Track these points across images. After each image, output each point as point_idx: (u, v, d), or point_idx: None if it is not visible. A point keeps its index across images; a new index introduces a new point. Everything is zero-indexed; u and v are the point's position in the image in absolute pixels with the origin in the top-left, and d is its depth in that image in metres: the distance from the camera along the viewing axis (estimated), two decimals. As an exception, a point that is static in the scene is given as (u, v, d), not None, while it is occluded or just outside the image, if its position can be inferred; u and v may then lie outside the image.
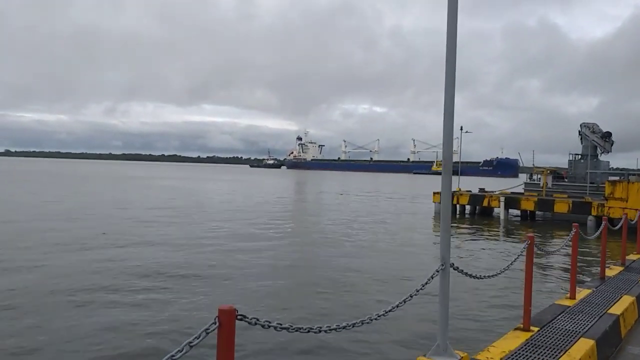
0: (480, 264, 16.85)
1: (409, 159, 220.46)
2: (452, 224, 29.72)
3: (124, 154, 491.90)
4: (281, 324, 2.80)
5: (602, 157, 37.17)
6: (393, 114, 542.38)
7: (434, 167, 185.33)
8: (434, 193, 36.41)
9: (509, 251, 19.92)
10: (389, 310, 3.60)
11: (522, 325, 5.85)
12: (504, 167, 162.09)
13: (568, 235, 7.18)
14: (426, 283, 3.97)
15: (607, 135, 35.98)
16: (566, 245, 7.42)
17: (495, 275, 5.23)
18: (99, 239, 18.85)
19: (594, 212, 29.50)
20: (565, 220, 29.89)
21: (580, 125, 37.28)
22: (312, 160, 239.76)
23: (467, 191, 37.00)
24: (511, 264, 5.40)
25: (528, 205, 32.77)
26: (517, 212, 34.26)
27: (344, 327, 3.17)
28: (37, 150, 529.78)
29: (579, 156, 37.43)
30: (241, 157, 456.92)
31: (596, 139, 36.03)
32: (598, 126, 36.79)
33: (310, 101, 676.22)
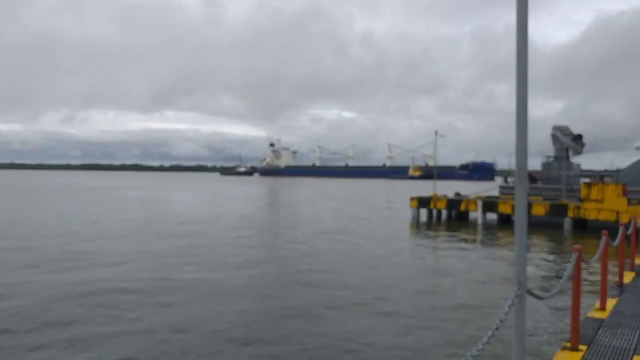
0: (476, 272, 16.58)
1: (384, 164, 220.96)
2: (429, 230, 29.85)
3: (82, 164, 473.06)
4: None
5: (574, 159, 37.93)
6: (362, 119, 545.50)
7: (411, 172, 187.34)
8: (411, 198, 36.29)
9: (500, 256, 19.81)
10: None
11: (569, 344, 5.43)
12: (481, 171, 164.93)
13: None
14: (507, 313, 3.47)
15: (578, 138, 36.70)
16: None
17: (554, 294, 4.79)
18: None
19: (570, 214, 29.88)
20: (543, 223, 30.21)
21: (552, 128, 37.94)
22: (285, 167, 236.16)
23: (443, 196, 37.03)
24: (564, 279, 4.97)
25: (505, 208, 32.98)
26: (493, 215, 34.46)
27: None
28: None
29: (552, 158, 38.07)
30: (206, 165, 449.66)
31: (568, 141, 36.70)
32: (569, 129, 37.52)
33: (279, 107, 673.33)
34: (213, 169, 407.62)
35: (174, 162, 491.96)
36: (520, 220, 3.84)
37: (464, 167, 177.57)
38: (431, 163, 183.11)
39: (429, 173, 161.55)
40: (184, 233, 25.14)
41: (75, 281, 13.49)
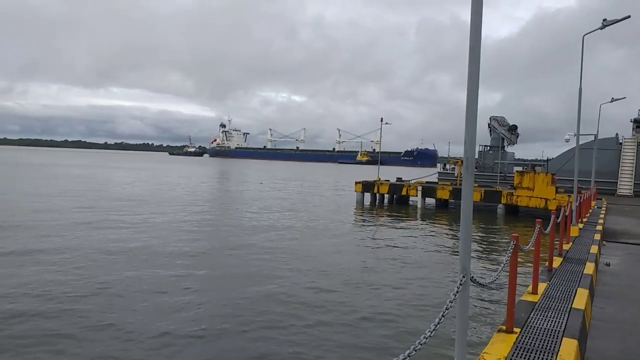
0: (414, 257, 17.09)
1: (334, 148, 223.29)
2: (372, 213, 30.48)
3: (21, 139, 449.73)
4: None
5: (508, 149, 39.77)
6: (311, 103, 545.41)
7: (359, 157, 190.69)
8: (356, 183, 36.87)
9: (436, 243, 20.54)
10: (417, 348, 3.17)
11: (504, 327, 5.72)
12: (424, 157, 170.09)
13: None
14: (452, 300, 3.60)
15: (513, 128, 38.48)
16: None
17: (494, 281, 5.01)
18: None
19: (503, 201, 31.39)
20: (478, 208, 31.56)
21: (490, 119, 39.54)
22: (236, 148, 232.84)
23: (386, 181, 37.82)
24: (503, 266, 5.21)
25: (443, 194, 34.17)
26: (432, 200, 35.62)
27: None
28: None
29: (488, 147, 39.75)
30: (152, 144, 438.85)
31: (504, 132, 38.42)
32: (505, 119, 39.25)
33: (228, 87, 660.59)
34: (159, 148, 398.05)
35: (119, 140, 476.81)
36: (466, 211, 3.98)
37: (408, 153, 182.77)
38: (378, 149, 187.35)
39: (376, 158, 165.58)
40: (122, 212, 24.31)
41: None
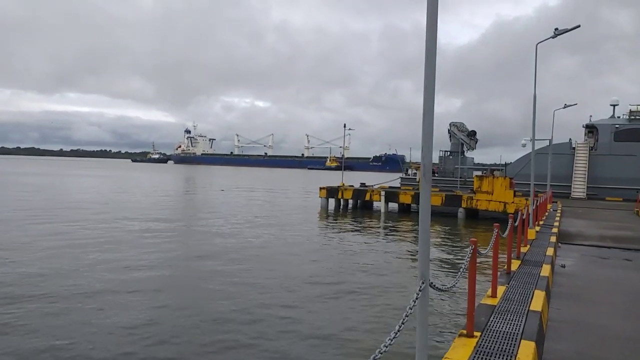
0: (376, 263, 17.17)
1: (303, 154, 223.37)
2: (336, 219, 30.54)
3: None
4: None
5: (468, 154, 40.68)
6: (275, 109, 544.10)
7: (328, 163, 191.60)
8: (321, 188, 36.94)
9: (398, 248, 20.72)
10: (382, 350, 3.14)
11: (465, 332, 5.77)
12: (392, 163, 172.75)
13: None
14: (412, 307, 3.59)
15: (472, 134, 39.39)
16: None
17: (454, 285, 5.05)
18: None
19: (464, 205, 32.04)
20: (439, 212, 32.10)
21: (450, 125, 40.39)
22: (202, 154, 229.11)
23: (350, 186, 38.02)
24: (462, 271, 5.26)
25: (406, 199, 34.60)
26: (394, 205, 36.01)
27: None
28: None
29: (448, 152, 40.55)
30: (110, 151, 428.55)
31: (463, 137, 39.28)
32: (465, 125, 40.13)
33: (189, 92, 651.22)
34: (118, 155, 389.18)
35: (75, 147, 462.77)
36: (424, 218, 3.99)
37: (377, 158, 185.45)
38: (346, 155, 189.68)
39: (345, 164, 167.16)
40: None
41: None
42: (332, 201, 36.53)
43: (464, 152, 39.68)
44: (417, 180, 37.81)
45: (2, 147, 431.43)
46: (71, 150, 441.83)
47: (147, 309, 10.46)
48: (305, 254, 18.03)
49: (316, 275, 14.18)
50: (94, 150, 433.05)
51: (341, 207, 36.45)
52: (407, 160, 43.68)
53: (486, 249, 7.15)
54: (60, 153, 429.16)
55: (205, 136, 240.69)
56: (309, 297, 11.74)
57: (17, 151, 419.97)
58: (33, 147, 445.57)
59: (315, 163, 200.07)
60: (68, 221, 23.98)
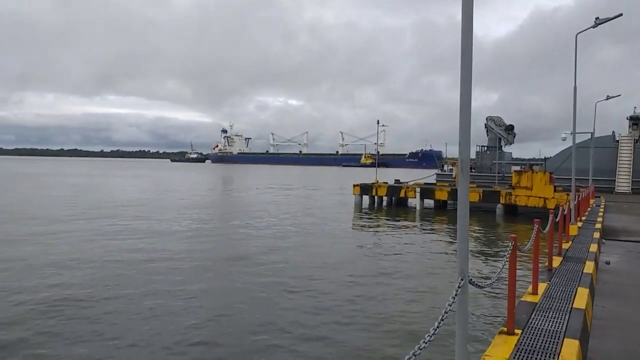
0: (413, 260, 17.04)
1: (337, 151, 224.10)
2: (370, 216, 30.42)
3: (16, 148, 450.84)
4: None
5: (506, 149, 39.77)
6: (308, 107, 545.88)
7: (363, 160, 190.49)
8: (354, 185, 36.88)
9: (436, 245, 20.49)
10: (420, 348, 3.13)
11: (505, 329, 5.68)
12: (429, 159, 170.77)
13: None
14: (451, 304, 3.56)
15: (510, 128, 38.48)
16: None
17: (494, 282, 4.98)
18: None
19: (502, 200, 31.38)
20: (477, 208, 31.55)
21: (486, 119, 39.57)
22: (238, 153, 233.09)
23: (384, 183, 37.81)
24: (502, 268, 5.17)
25: (442, 195, 34.15)
26: (430, 201, 35.59)
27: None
28: None
29: (485, 148, 39.74)
30: (149, 151, 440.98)
31: (500, 132, 38.43)
32: (502, 119, 39.27)
33: (224, 93, 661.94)
34: (156, 155, 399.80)
35: (115, 148, 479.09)
36: (462, 214, 3.94)
37: (413, 155, 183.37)
38: (381, 151, 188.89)
39: (380, 161, 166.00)
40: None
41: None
42: (366, 198, 36.41)
43: (501, 147, 38.83)
44: (454, 176, 37.20)
45: (47, 149, 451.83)
46: (111, 151, 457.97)
47: (193, 300, 10.72)
48: (339, 252, 18.06)
49: (352, 275, 14.18)
50: (133, 151, 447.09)
51: (375, 204, 36.30)
52: (444, 156, 42.87)
53: (526, 245, 7.01)
54: (101, 154, 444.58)
55: (241, 135, 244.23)
56: (346, 296, 11.76)
57: (61, 153, 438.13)
58: (75, 149, 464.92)
59: (350, 160, 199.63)
60: (130, 218, 24.74)
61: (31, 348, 8.21)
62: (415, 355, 3.06)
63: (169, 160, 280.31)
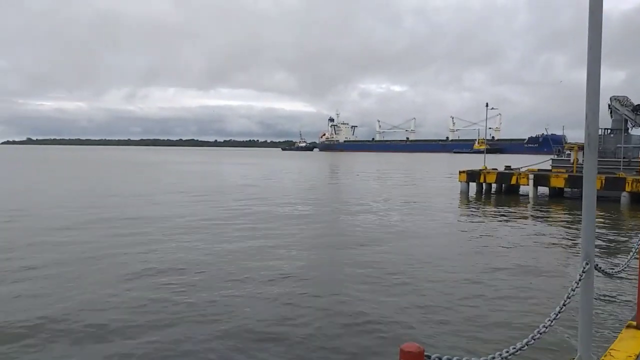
0: (529, 247, 16.25)
1: (447, 137, 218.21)
2: (478, 204, 29.27)
3: (142, 139, 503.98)
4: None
5: (633, 131, 36.03)
6: (412, 92, 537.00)
7: (476, 146, 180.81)
8: (460, 172, 35.71)
9: (553, 233, 19.34)
10: (541, 332, 3.03)
11: (634, 323, 5.27)
12: (550, 144, 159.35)
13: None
14: (574, 289, 3.40)
15: (638, 108, 34.72)
16: None
17: (622, 270, 4.64)
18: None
19: (628, 188, 28.63)
20: (598, 197, 28.94)
21: (610, 99, 36.02)
22: (345, 141, 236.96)
23: (493, 169, 36.15)
24: (632, 255, 4.80)
25: (558, 182, 31.90)
26: (544, 189, 33.37)
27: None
28: (57, 138, 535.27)
29: (609, 130, 36.30)
30: (258, 140, 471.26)
31: (627, 113, 34.81)
32: (629, 99, 35.54)
33: (328, 82, 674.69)
34: (264, 144, 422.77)
35: (228, 138, 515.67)
36: (589, 194, 3.72)
37: (533, 140, 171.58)
38: (497, 136, 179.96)
39: (495, 147, 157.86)
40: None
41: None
42: (473, 185, 35.05)
43: (627, 129, 35.16)
44: (572, 161, 34.41)
45: (168, 140, 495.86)
46: (224, 140, 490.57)
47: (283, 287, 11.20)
48: (447, 241, 17.70)
49: (460, 266, 13.87)
50: (243, 141, 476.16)
51: (483, 191, 34.82)
52: (567, 141, 39.76)
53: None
54: (215, 144, 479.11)
55: (347, 124, 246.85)
56: (457, 288, 11.56)
57: (180, 143, 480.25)
58: (192, 139, 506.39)
59: (461, 146, 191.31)
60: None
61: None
62: (534, 340, 2.99)
63: (279, 149, 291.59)
